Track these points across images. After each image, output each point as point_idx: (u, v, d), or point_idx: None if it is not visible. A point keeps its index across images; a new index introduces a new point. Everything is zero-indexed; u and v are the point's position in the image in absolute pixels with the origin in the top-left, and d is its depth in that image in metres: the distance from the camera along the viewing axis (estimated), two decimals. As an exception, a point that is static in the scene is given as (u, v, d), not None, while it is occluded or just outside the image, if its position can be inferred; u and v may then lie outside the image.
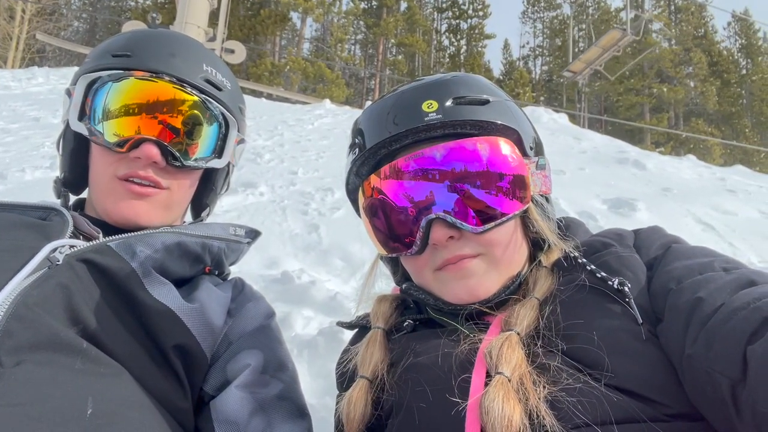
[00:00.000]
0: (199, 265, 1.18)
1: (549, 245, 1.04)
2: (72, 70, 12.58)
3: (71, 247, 0.94)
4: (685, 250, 0.92)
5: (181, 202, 1.21)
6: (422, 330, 1.05)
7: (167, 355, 0.95)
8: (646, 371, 0.76)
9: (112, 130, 1.10)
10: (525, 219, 1.04)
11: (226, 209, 4.89)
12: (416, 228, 0.96)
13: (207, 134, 1.19)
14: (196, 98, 1.15)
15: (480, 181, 0.95)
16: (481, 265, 0.97)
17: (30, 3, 32.63)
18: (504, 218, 0.95)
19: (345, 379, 1.04)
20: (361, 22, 48.04)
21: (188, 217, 1.39)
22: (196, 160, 1.17)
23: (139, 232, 1.06)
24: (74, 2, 49.31)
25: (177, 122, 1.13)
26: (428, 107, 0.96)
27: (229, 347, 1.08)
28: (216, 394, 1.00)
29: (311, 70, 36.90)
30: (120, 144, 1.09)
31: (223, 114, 1.21)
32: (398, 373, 0.93)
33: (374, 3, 46.03)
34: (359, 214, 1.14)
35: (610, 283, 0.88)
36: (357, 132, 1.07)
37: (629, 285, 0.86)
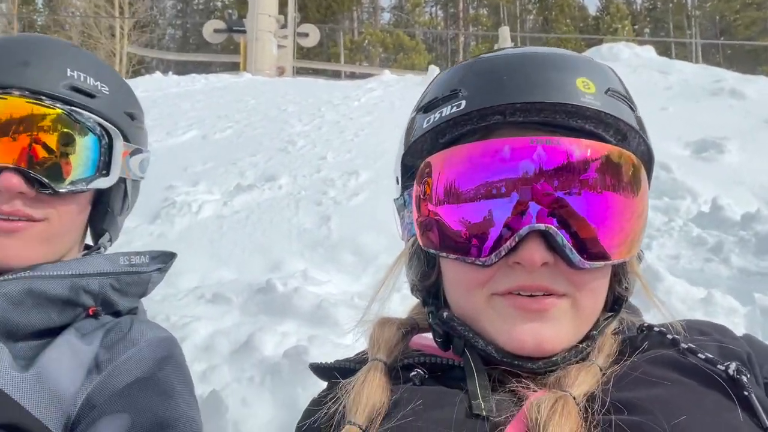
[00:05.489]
0: (74, 309, 1.06)
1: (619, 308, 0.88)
2: (165, 77, 13.18)
3: None
4: None
5: (65, 233, 1.10)
6: (432, 385, 0.82)
7: None
8: None
9: None
10: (617, 270, 0.87)
11: (236, 210, 4.83)
12: (508, 234, 0.75)
13: (81, 152, 1.06)
14: (58, 111, 1.02)
15: (613, 207, 0.77)
16: (565, 309, 0.79)
17: (127, 19, 35.38)
18: (614, 262, 0.79)
19: (330, 424, 0.84)
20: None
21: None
22: (73, 183, 1.04)
23: None
24: (168, 11, 52.76)
25: (39, 143, 1.02)
26: (584, 86, 0.77)
27: (91, 412, 0.94)
28: None
29: (390, 41, 36.78)
30: None
31: (100, 125, 1.08)
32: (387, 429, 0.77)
33: (450, -42, 44.60)
34: (404, 184, 0.93)
35: (721, 367, 0.72)
36: (463, 82, 0.81)
37: (747, 375, 0.71)
